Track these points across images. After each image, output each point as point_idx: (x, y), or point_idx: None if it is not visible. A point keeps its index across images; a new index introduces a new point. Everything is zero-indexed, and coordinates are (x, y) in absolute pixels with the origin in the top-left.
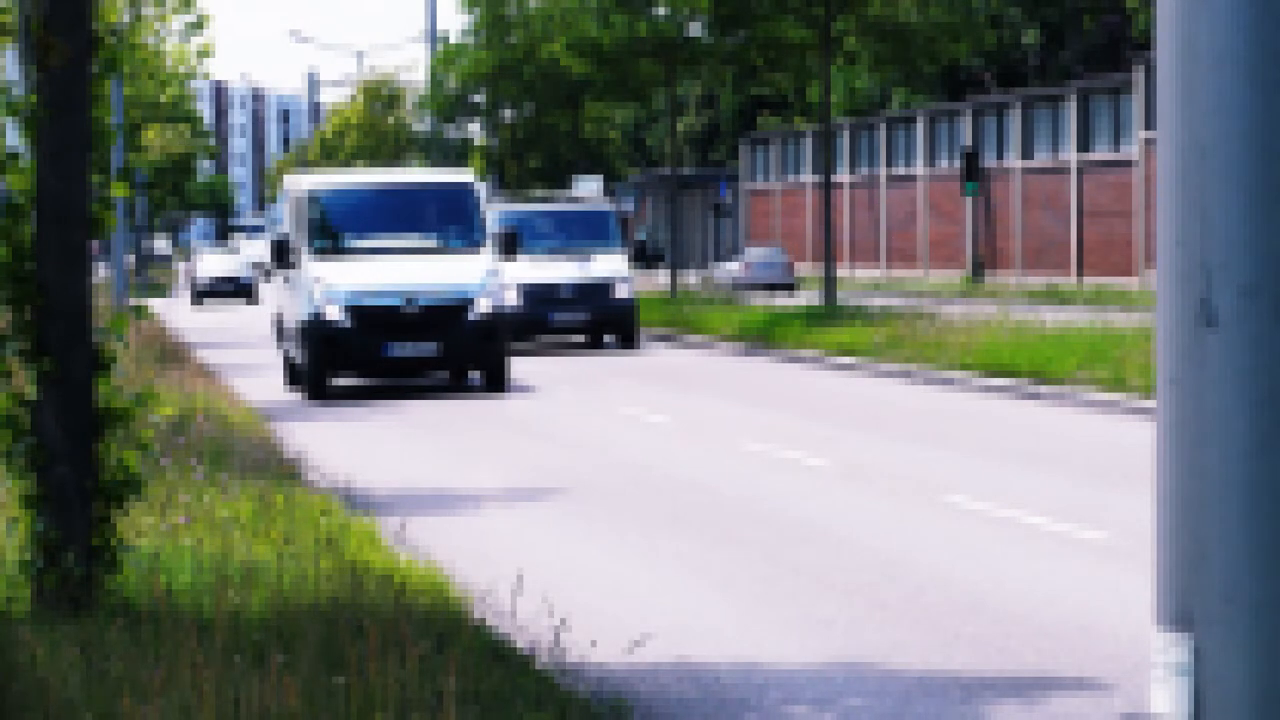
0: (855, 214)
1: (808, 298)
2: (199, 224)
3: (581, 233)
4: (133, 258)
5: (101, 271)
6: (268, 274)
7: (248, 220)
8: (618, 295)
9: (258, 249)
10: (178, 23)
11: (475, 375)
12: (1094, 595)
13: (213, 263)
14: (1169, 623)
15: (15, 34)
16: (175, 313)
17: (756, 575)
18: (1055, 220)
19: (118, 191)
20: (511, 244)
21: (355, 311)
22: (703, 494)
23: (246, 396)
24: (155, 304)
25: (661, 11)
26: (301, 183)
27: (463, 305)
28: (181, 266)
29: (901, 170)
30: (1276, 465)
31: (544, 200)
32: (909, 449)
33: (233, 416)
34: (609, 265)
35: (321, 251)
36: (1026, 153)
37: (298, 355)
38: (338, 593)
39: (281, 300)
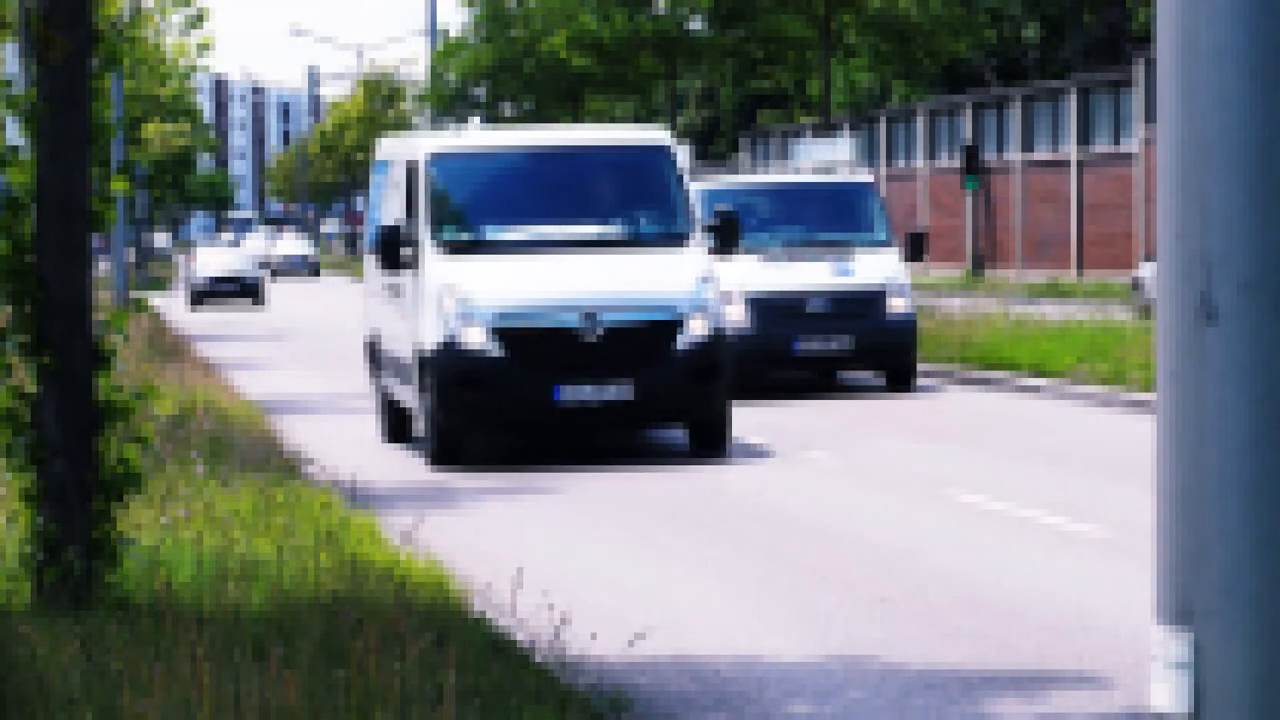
0: None
1: None
2: (199, 219)
3: (832, 219)
4: (133, 253)
5: (102, 267)
6: (274, 273)
7: (241, 214)
8: (892, 311)
9: (260, 244)
10: (178, 17)
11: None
12: (1094, 590)
13: (212, 260)
14: (1169, 618)
15: (15, 29)
16: (174, 313)
17: (757, 571)
18: (1055, 215)
19: (118, 186)
20: (731, 236)
21: (508, 336)
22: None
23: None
24: (155, 300)
25: (662, 7)
26: (418, 146)
27: (668, 327)
28: (181, 260)
29: (902, 165)
30: (1276, 460)
31: (773, 172)
32: (907, 444)
33: (233, 411)
34: (878, 267)
35: (454, 247)
36: (1027, 147)
37: (412, 398)
38: (338, 588)
39: (383, 316)
